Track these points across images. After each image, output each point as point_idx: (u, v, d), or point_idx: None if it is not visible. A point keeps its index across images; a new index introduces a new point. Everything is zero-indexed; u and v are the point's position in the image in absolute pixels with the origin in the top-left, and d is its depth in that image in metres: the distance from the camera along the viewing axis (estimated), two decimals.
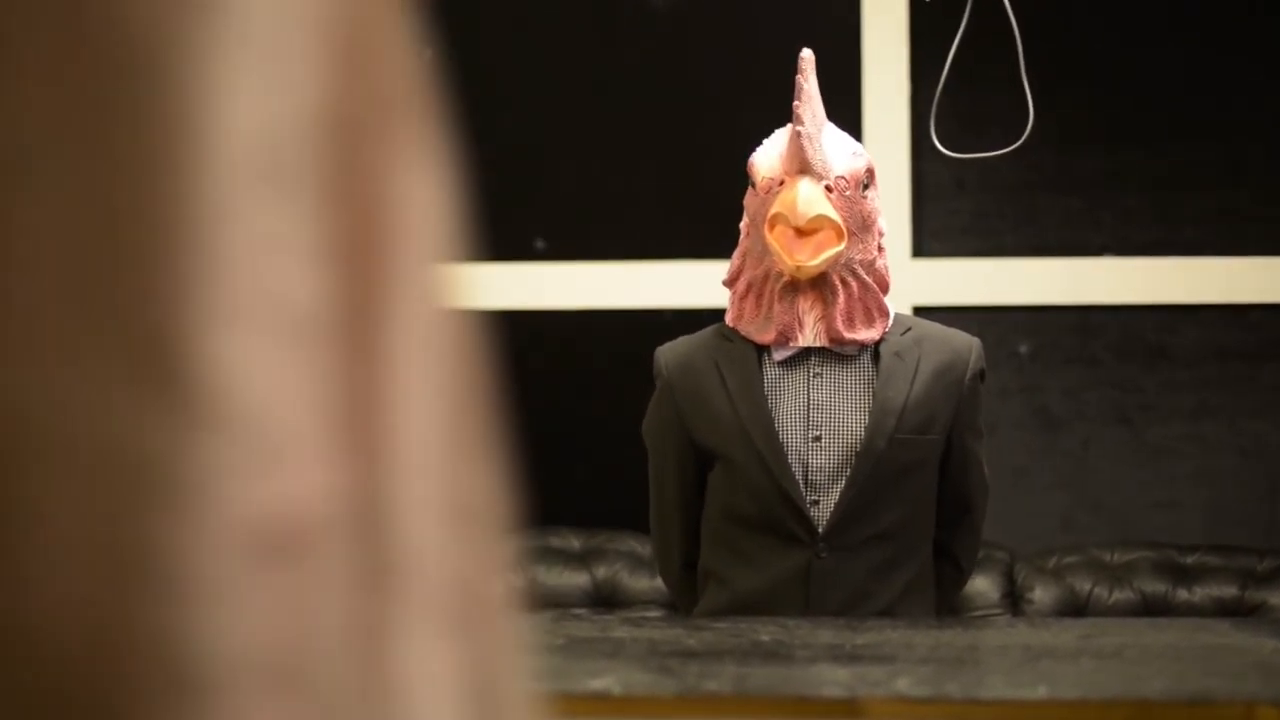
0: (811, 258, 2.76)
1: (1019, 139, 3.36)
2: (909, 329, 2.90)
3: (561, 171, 4.84)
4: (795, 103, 2.78)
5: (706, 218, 4.36)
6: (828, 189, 2.78)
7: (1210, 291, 4.64)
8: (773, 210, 2.79)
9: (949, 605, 2.98)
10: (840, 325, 2.80)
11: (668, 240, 4.76)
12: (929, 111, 3.54)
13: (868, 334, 2.83)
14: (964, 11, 3.27)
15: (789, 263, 2.76)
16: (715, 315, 3.00)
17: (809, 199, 2.75)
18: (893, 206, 4.66)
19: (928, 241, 4.72)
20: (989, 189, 4.72)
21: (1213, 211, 4.65)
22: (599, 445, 4.65)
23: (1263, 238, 4.62)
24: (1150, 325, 4.69)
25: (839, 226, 2.78)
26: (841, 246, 2.78)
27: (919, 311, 4.57)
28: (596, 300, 4.77)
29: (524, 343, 4.80)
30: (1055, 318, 4.71)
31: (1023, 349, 4.72)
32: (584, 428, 4.72)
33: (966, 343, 2.92)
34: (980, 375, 2.92)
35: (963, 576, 2.99)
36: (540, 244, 4.81)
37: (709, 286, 4.04)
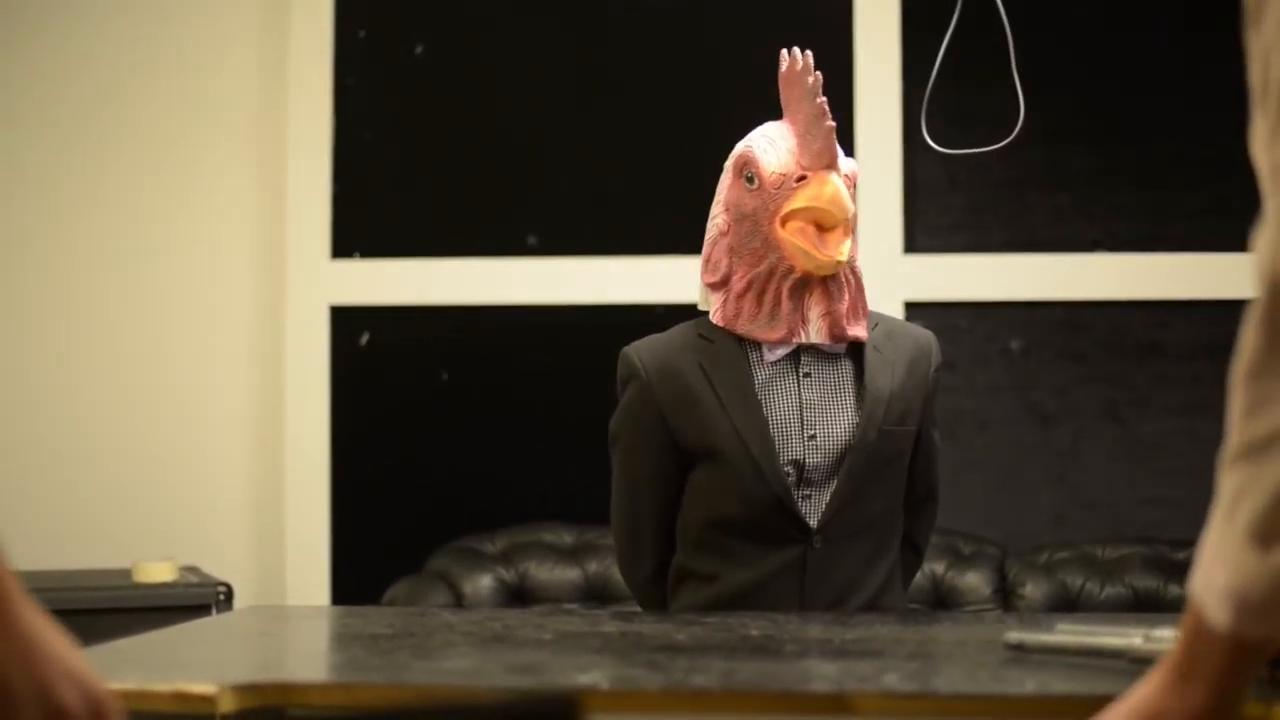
0: (839, 251, 2.75)
1: (1010, 135, 3.36)
2: (877, 324, 2.91)
3: (554, 168, 4.84)
4: (819, 98, 2.74)
5: (697, 215, 4.35)
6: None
7: (1201, 287, 4.64)
8: (793, 205, 2.76)
9: (907, 588, 3.04)
10: (844, 321, 2.80)
11: (660, 236, 4.76)
12: (920, 108, 3.54)
13: (861, 330, 2.84)
14: (955, 9, 3.27)
15: (821, 257, 2.74)
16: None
17: (846, 194, 2.76)
18: (885, 202, 4.66)
19: (919, 237, 4.73)
20: (980, 185, 4.72)
21: (1203, 207, 4.65)
22: (592, 440, 4.64)
23: (1253, 234, 4.62)
24: (1141, 321, 4.69)
25: (847, 222, 2.78)
26: (850, 241, 2.78)
27: (910, 306, 4.57)
28: (587, 296, 4.77)
29: (517, 338, 4.80)
30: (1046, 313, 4.71)
31: (1014, 345, 4.72)
32: (577, 422, 4.72)
33: (927, 337, 2.96)
34: (939, 368, 2.96)
35: (920, 562, 3.05)
36: (533, 240, 4.81)
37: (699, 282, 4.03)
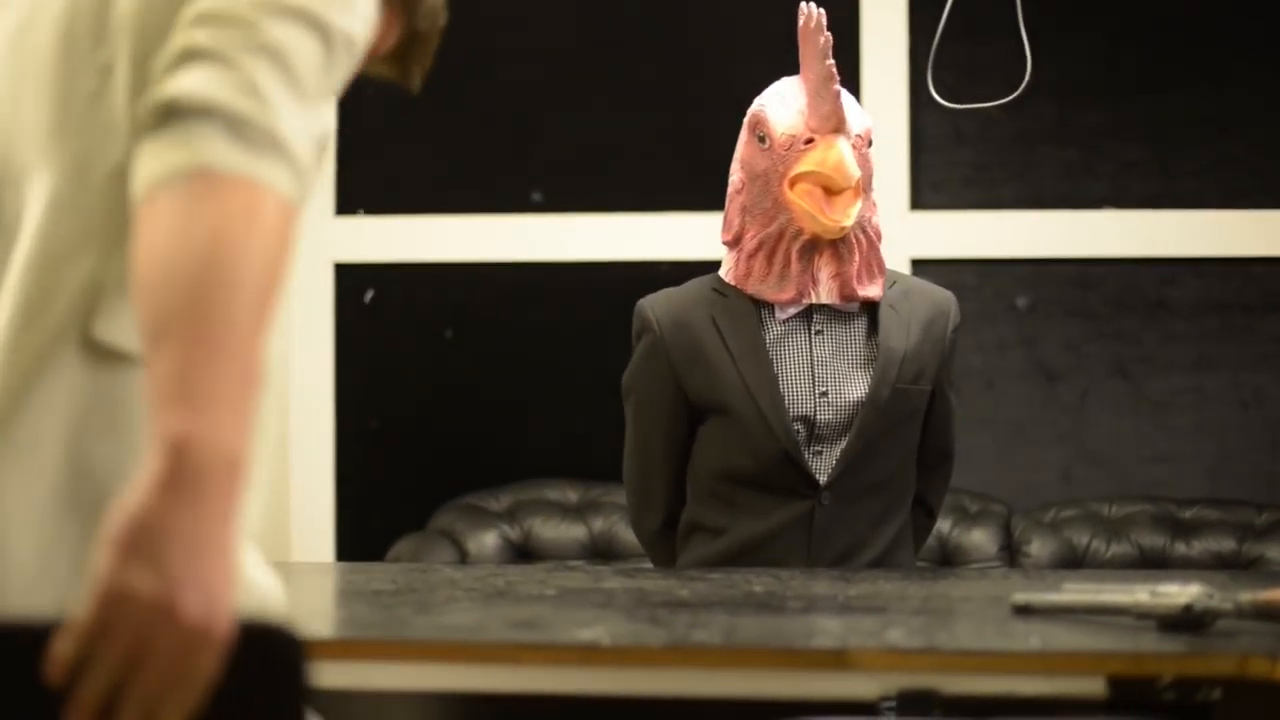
0: (845, 216, 2.75)
1: (1017, 90, 3.34)
2: (895, 282, 2.91)
3: (558, 125, 4.81)
4: (829, 60, 2.73)
5: (703, 171, 4.34)
6: (852, 148, 2.78)
7: (1210, 244, 4.62)
8: (800, 169, 2.76)
9: (918, 551, 3.03)
10: (855, 282, 2.80)
11: (664, 193, 4.74)
12: (927, 63, 3.52)
13: (874, 289, 2.84)
14: None
15: (827, 222, 2.74)
16: (711, 267, 2.98)
17: (851, 160, 2.74)
18: (891, 158, 4.64)
19: (926, 193, 4.70)
20: (987, 141, 4.70)
21: (1212, 164, 4.63)
22: (596, 398, 4.64)
23: (1263, 190, 4.59)
24: (1149, 278, 4.67)
25: (857, 185, 2.77)
26: (860, 204, 2.78)
27: (917, 264, 4.55)
28: (593, 252, 4.75)
29: (521, 295, 4.79)
30: (1054, 270, 4.69)
31: (1021, 302, 4.70)
32: (581, 380, 4.71)
33: (946, 297, 2.95)
34: (957, 329, 2.95)
35: (932, 523, 3.04)
36: (537, 196, 4.79)
37: (704, 239, 4.01)
